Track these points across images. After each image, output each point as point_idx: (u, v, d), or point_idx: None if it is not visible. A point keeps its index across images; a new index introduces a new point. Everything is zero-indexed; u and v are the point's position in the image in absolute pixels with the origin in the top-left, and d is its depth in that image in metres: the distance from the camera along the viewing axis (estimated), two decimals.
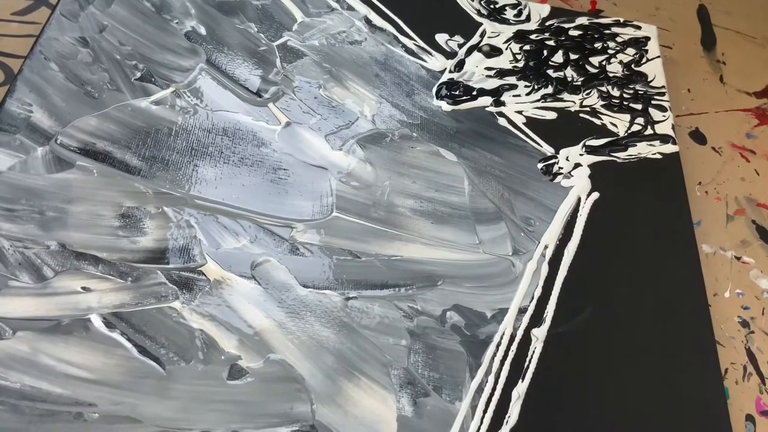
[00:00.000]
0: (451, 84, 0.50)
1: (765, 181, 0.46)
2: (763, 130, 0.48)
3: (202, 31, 0.49)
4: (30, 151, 0.42)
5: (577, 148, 0.47)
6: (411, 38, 0.52)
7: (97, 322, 0.36)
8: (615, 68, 0.52)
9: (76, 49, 0.47)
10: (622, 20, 0.55)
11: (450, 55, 0.51)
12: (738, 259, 0.43)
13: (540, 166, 0.46)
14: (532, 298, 0.40)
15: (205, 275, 0.38)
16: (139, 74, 0.46)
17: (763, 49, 0.52)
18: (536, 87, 0.50)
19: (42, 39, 0.47)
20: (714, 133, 0.49)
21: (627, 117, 0.49)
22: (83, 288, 0.37)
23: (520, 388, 0.37)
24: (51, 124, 0.43)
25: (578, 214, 0.44)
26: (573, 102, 0.50)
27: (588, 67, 0.52)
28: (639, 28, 0.54)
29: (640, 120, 0.49)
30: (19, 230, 0.39)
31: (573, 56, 0.53)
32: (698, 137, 0.48)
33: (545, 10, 0.55)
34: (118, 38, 0.48)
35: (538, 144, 0.47)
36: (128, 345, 0.36)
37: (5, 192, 0.40)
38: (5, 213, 0.39)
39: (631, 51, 0.54)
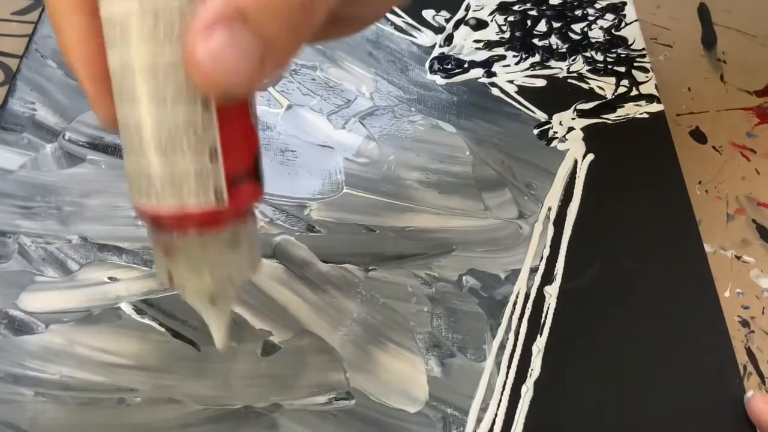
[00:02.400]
0: (442, 58, 0.51)
1: (766, 181, 0.47)
2: (764, 129, 0.49)
3: None
4: (39, 149, 0.42)
5: (569, 113, 0.49)
6: (399, 15, 0.53)
7: (127, 309, 0.37)
8: (596, 34, 0.54)
9: None
10: None
11: (438, 29, 0.53)
12: (738, 258, 0.43)
13: (535, 132, 0.48)
14: (542, 257, 0.42)
15: None
16: None
17: (764, 47, 0.53)
18: (524, 56, 0.52)
19: (36, 37, 0.47)
20: (714, 132, 0.49)
21: (612, 80, 0.51)
22: (110, 278, 0.38)
23: (540, 343, 0.39)
24: (56, 121, 0.43)
25: (576, 176, 0.46)
26: (560, 69, 0.52)
27: (571, 35, 0.54)
28: None
29: (625, 82, 0.51)
30: (39, 226, 0.39)
31: (556, 24, 0.54)
32: (698, 136, 0.49)
33: None
34: None
35: (532, 111, 0.49)
36: (161, 329, 0.37)
37: (20, 190, 0.40)
38: (23, 211, 0.40)
39: (610, 16, 0.55)
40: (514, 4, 0.55)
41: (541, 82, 0.51)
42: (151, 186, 0.23)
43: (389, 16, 0.53)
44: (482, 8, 0.55)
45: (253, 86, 0.21)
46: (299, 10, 0.21)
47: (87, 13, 0.23)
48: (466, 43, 0.52)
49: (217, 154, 0.22)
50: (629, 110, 0.50)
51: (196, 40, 0.20)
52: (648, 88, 0.51)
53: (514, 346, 0.39)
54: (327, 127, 0.46)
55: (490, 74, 0.51)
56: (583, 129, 0.48)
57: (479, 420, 0.36)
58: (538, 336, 0.39)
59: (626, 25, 0.55)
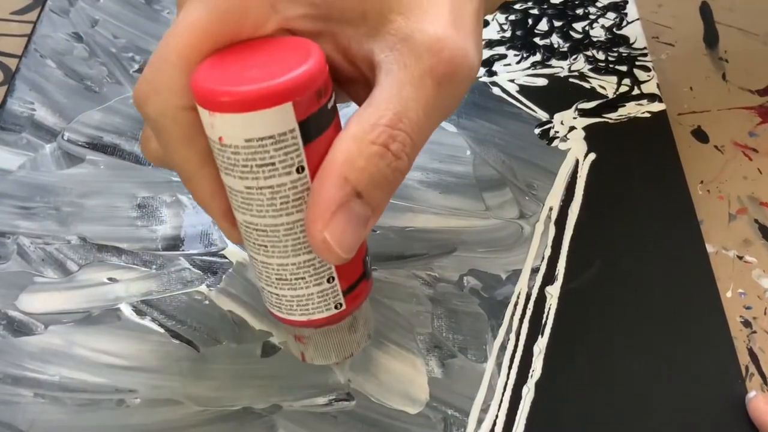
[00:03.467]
0: None
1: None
2: (766, 129, 0.49)
3: None
4: (38, 149, 0.42)
5: (570, 112, 0.49)
6: None
7: (127, 310, 0.37)
8: (598, 33, 0.54)
9: (70, 44, 0.47)
10: None
11: None
12: (740, 258, 0.43)
13: (536, 131, 0.48)
14: (543, 258, 0.42)
15: (228, 258, 0.39)
16: (137, 66, 0.46)
17: (766, 46, 0.52)
18: (525, 55, 0.52)
19: (35, 37, 0.47)
20: (716, 131, 0.49)
21: (614, 79, 0.51)
22: (109, 279, 0.38)
23: (541, 343, 0.39)
24: (55, 121, 0.43)
25: (578, 175, 0.46)
26: (562, 68, 0.51)
27: (572, 33, 0.54)
28: None
29: (627, 81, 0.51)
30: (38, 227, 0.39)
31: (557, 23, 0.54)
32: (700, 136, 0.49)
33: None
34: (111, 31, 0.48)
35: (533, 110, 0.49)
36: (161, 330, 0.37)
37: (19, 191, 0.40)
38: (22, 211, 0.40)
39: (611, 15, 0.55)
40: (515, 2, 0.55)
41: (542, 81, 0.51)
42: (281, 304, 0.28)
43: None
44: None
45: (363, 239, 0.26)
46: (400, 176, 0.25)
47: (213, 165, 0.26)
48: None
49: (334, 278, 0.27)
50: (631, 109, 0.49)
51: (321, 227, 0.24)
52: (650, 87, 0.51)
53: (515, 346, 0.39)
54: None
55: (491, 73, 0.50)
56: (584, 128, 0.48)
57: (480, 421, 0.36)
58: (540, 337, 0.39)
59: (628, 23, 0.55)
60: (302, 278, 0.27)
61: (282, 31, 0.26)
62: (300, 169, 0.24)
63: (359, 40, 0.26)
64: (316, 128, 0.24)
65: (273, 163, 0.24)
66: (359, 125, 0.24)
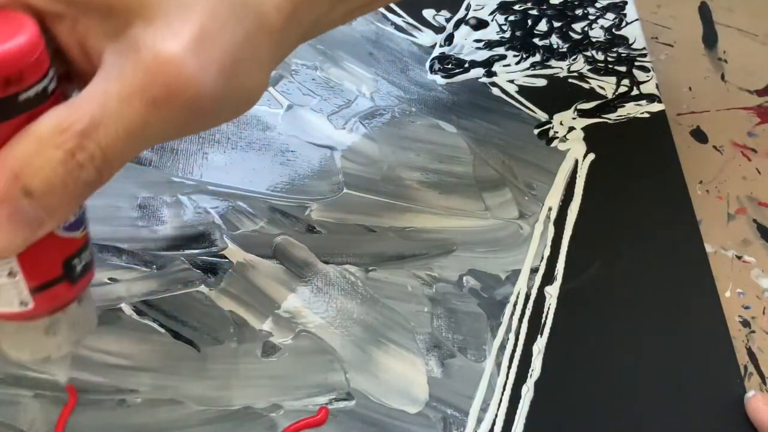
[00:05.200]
0: (443, 58, 0.51)
1: (766, 180, 0.47)
2: (765, 129, 0.49)
3: None
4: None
5: (570, 112, 0.49)
6: (399, 15, 0.53)
7: (128, 310, 0.37)
8: (597, 33, 0.54)
9: None
10: None
11: (438, 29, 0.53)
12: (739, 258, 0.43)
13: (536, 131, 0.48)
14: (542, 258, 0.42)
15: (228, 258, 0.39)
16: None
17: (765, 46, 0.52)
18: (524, 56, 0.52)
19: None
20: (715, 131, 0.49)
21: (613, 79, 0.51)
22: (110, 279, 0.38)
23: (540, 343, 0.39)
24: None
25: (577, 176, 0.46)
26: (561, 68, 0.52)
27: (572, 34, 0.54)
28: None
29: (626, 81, 0.51)
30: None
31: (556, 24, 0.54)
32: (699, 136, 0.49)
33: None
34: None
35: (532, 111, 0.49)
36: (161, 330, 0.37)
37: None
38: None
39: (610, 16, 0.55)
40: (514, 3, 0.55)
41: (541, 82, 0.51)
42: None
43: (389, 16, 0.53)
44: (483, 8, 0.55)
45: (31, 242, 0.24)
46: (86, 187, 0.24)
47: None
48: (466, 43, 0.52)
49: (16, 274, 0.26)
50: (630, 110, 0.50)
51: None
52: (649, 88, 0.51)
53: (515, 346, 0.39)
54: (327, 128, 0.46)
55: (491, 74, 0.51)
56: (583, 129, 0.48)
57: (479, 420, 0.36)
58: (539, 336, 0.39)
59: (627, 24, 0.55)
60: None
61: (23, 6, 0.24)
62: None
63: (98, 34, 0.24)
64: None
65: None
66: (49, 124, 0.23)
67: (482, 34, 0.53)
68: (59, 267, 0.27)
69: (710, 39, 0.55)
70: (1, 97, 0.23)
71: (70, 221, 0.27)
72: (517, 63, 0.51)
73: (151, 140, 0.25)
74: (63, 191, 0.23)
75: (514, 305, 0.40)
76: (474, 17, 0.54)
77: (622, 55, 0.53)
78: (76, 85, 0.27)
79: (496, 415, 0.36)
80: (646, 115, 0.49)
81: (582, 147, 0.47)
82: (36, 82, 0.24)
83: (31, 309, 0.27)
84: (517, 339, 0.39)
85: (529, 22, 0.54)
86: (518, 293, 0.40)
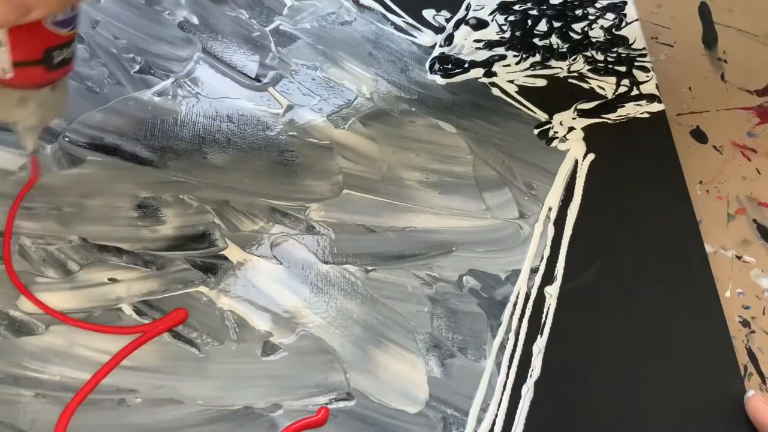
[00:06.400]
0: (442, 58, 0.51)
1: (766, 180, 0.47)
2: (765, 129, 0.49)
3: (195, 20, 0.50)
4: (39, 150, 0.42)
5: (569, 112, 0.49)
6: (399, 15, 0.53)
7: (128, 310, 0.37)
8: (597, 33, 0.54)
9: None
10: None
11: (438, 29, 0.53)
12: (739, 258, 0.43)
13: (536, 131, 0.48)
14: (542, 258, 0.42)
15: (228, 258, 0.39)
16: (137, 67, 0.47)
17: (764, 46, 0.52)
18: (524, 56, 0.52)
19: None
20: (715, 131, 0.49)
21: (613, 79, 0.51)
22: (110, 279, 0.38)
23: (540, 343, 0.39)
24: (56, 121, 0.43)
25: (577, 176, 0.46)
26: (561, 68, 0.52)
27: (571, 34, 0.54)
28: None
29: (626, 81, 0.51)
30: (40, 227, 0.39)
31: (556, 24, 0.54)
32: (699, 136, 0.49)
33: None
34: (112, 32, 0.48)
35: (532, 111, 0.49)
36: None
37: (20, 191, 0.40)
38: (23, 212, 0.40)
39: (610, 16, 0.55)
40: (514, 3, 0.55)
41: (541, 82, 0.51)
42: None
43: (389, 16, 0.53)
44: (483, 8, 0.55)
45: (19, 23, 0.30)
46: None
47: None
48: (466, 43, 0.52)
49: (2, 45, 0.32)
50: (630, 110, 0.50)
51: None
52: (648, 88, 0.51)
53: (515, 346, 0.39)
54: (327, 128, 0.46)
55: (491, 74, 0.51)
56: (583, 129, 0.48)
57: (479, 420, 0.36)
58: (539, 336, 0.39)
59: (627, 24, 0.55)
60: None
61: None
62: None
63: None
64: None
65: None
66: None
67: (482, 34, 0.53)
68: (40, 53, 0.33)
69: (710, 39, 0.55)
70: None
71: (59, 18, 0.33)
72: (517, 63, 0.51)
73: None
74: None
75: (514, 305, 0.40)
76: (474, 17, 0.54)
77: (622, 55, 0.53)
78: None
79: (496, 415, 0.36)
80: (646, 115, 0.49)
81: (582, 147, 0.47)
82: None
83: (10, 78, 0.33)
84: (517, 339, 0.39)
85: (529, 22, 0.54)
86: (518, 293, 0.40)
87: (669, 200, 0.45)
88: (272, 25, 0.51)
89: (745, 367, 0.39)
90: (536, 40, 0.53)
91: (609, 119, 0.49)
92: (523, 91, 0.50)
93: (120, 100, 0.45)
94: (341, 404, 0.36)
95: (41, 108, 0.36)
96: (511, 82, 0.50)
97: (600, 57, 0.52)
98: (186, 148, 0.43)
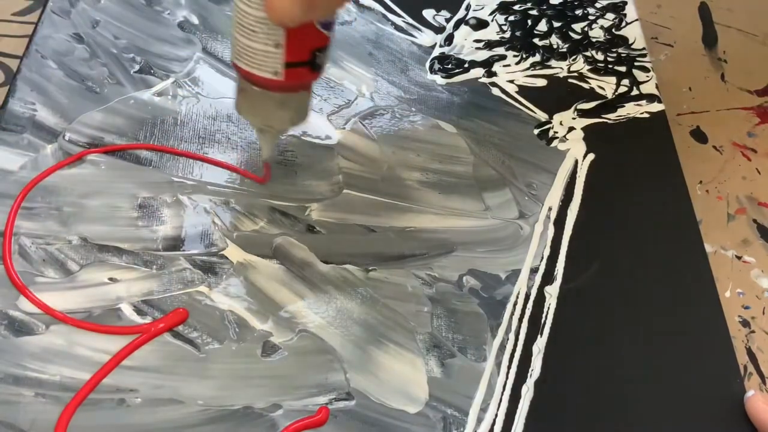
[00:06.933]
0: (443, 58, 0.51)
1: (766, 180, 0.47)
2: (765, 129, 0.49)
3: (195, 20, 0.50)
4: (39, 150, 0.42)
5: (569, 112, 0.49)
6: (399, 15, 0.53)
7: (128, 310, 0.37)
8: (597, 33, 0.54)
9: (71, 45, 0.47)
10: None
11: (438, 29, 0.53)
12: (739, 258, 0.43)
13: (536, 131, 0.48)
14: (542, 258, 0.42)
15: (228, 258, 0.39)
16: (137, 67, 0.47)
17: (764, 46, 0.52)
18: (524, 56, 0.52)
19: (36, 38, 0.47)
20: (715, 131, 0.49)
21: (613, 79, 0.51)
22: (110, 279, 0.38)
23: (540, 343, 0.39)
24: (57, 121, 0.43)
25: (577, 176, 0.46)
26: (561, 68, 0.52)
27: (571, 34, 0.54)
28: None
29: (626, 81, 0.51)
30: (39, 227, 0.39)
31: (556, 24, 0.54)
32: (699, 136, 0.49)
33: None
34: (112, 32, 0.48)
35: (532, 111, 0.49)
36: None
37: (20, 191, 0.40)
38: (23, 212, 0.40)
39: (610, 16, 0.55)
40: (514, 3, 0.55)
41: (541, 82, 0.51)
42: (236, 48, 0.34)
43: (389, 16, 0.53)
44: (483, 8, 0.55)
45: (303, 21, 0.31)
46: None
47: None
48: (466, 43, 0.52)
49: (280, 47, 0.33)
50: (630, 110, 0.50)
51: None
52: (648, 88, 0.51)
53: (515, 346, 0.39)
54: (327, 128, 0.46)
55: (491, 74, 0.51)
56: (583, 129, 0.48)
57: (479, 420, 0.36)
58: (539, 336, 0.39)
59: (627, 24, 0.55)
60: (255, 31, 0.33)
61: None
62: None
63: None
64: None
65: None
66: None
67: (482, 34, 0.53)
68: (308, 53, 0.34)
69: (710, 39, 0.55)
70: None
71: (326, 21, 0.34)
72: (517, 63, 0.51)
73: None
74: None
75: (514, 305, 0.40)
76: (474, 17, 0.54)
77: (622, 55, 0.53)
78: None
79: (496, 415, 0.36)
80: (646, 115, 0.49)
81: (582, 147, 0.47)
82: None
83: (281, 80, 0.34)
84: (517, 339, 0.39)
85: (529, 22, 0.54)
86: (518, 293, 0.40)
87: (669, 200, 0.45)
88: None
89: (745, 367, 0.39)
90: (536, 40, 0.53)
91: (609, 119, 0.49)
92: (523, 91, 0.50)
93: (120, 100, 0.45)
94: (341, 404, 0.36)
95: (295, 112, 0.37)
96: (511, 82, 0.50)
97: (600, 57, 0.52)
98: (186, 148, 0.43)
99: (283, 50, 0.33)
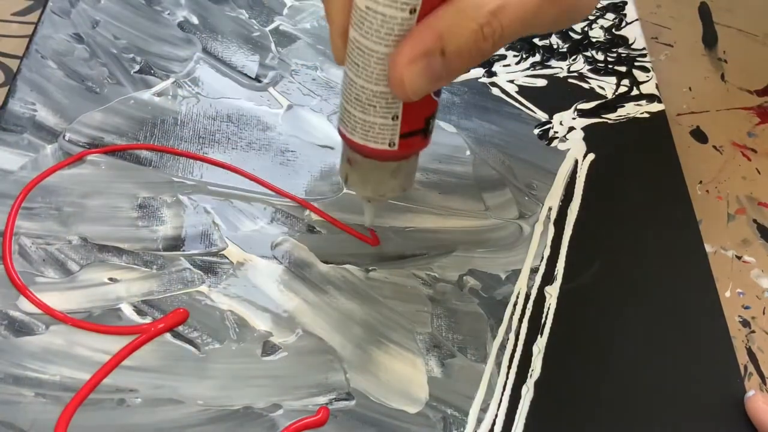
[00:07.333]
0: None
1: (766, 180, 0.47)
2: (765, 129, 0.49)
3: (195, 20, 0.50)
4: (39, 150, 0.42)
5: (569, 112, 0.49)
6: None
7: (128, 310, 0.37)
8: (597, 33, 0.54)
9: (71, 45, 0.47)
10: None
11: None
12: (739, 258, 0.43)
13: (536, 131, 0.48)
14: (542, 257, 0.42)
15: (228, 258, 0.39)
16: (137, 67, 0.47)
17: (765, 46, 0.52)
18: (524, 56, 0.52)
19: (36, 38, 0.47)
20: (715, 131, 0.49)
21: (613, 79, 0.51)
22: (110, 279, 0.38)
23: (540, 343, 0.39)
24: (57, 122, 0.43)
25: (577, 176, 0.46)
26: (561, 68, 0.52)
27: (571, 34, 0.54)
28: None
29: (626, 81, 0.51)
30: (39, 227, 0.39)
31: None
32: (699, 136, 0.49)
33: None
34: (112, 32, 0.48)
35: (532, 111, 0.49)
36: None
37: (20, 191, 0.40)
38: (23, 212, 0.40)
39: (610, 16, 0.55)
40: None
41: (541, 82, 0.51)
42: (349, 123, 0.32)
43: None
44: None
45: (427, 93, 0.30)
46: (479, 55, 0.29)
47: None
48: None
49: (397, 119, 0.31)
50: (630, 110, 0.50)
51: (403, 64, 0.28)
52: (648, 88, 0.51)
53: (515, 346, 0.39)
54: (327, 127, 0.46)
55: (491, 74, 0.51)
56: (583, 129, 0.48)
57: (479, 420, 0.36)
58: (539, 336, 0.39)
59: (627, 24, 0.55)
60: (373, 106, 0.31)
61: None
62: (413, 11, 0.28)
63: None
64: None
65: None
66: (469, 1, 0.28)
67: None
68: (422, 122, 0.33)
69: (710, 39, 0.55)
70: None
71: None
72: (517, 63, 0.51)
73: (536, 29, 0.30)
74: (466, 56, 0.28)
75: (514, 305, 0.40)
76: None
77: (622, 55, 0.53)
78: None
79: (496, 415, 0.36)
80: (646, 115, 0.49)
81: (582, 147, 0.47)
82: None
83: (396, 150, 0.33)
84: (517, 339, 0.39)
85: None
86: (518, 293, 0.40)
87: (669, 200, 0.45)
88: (272, 25, 0.51)
89: (745, 367, 0.39)
90: (536, 40, 0.53)
91: (609, 119, 0.49)
92: (523, 90, 0.50)
93: (120, 100, 0.45)
94: (341, 404, 0.36)
95: (406, 178, 0.36)
96: (511, 82, 0.50)
97: (600, 57, 0.52)
98: (186, 148, 0.43)
99: (400, 121, 0.32)
